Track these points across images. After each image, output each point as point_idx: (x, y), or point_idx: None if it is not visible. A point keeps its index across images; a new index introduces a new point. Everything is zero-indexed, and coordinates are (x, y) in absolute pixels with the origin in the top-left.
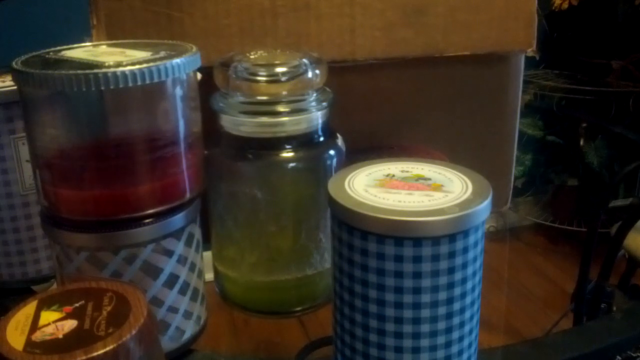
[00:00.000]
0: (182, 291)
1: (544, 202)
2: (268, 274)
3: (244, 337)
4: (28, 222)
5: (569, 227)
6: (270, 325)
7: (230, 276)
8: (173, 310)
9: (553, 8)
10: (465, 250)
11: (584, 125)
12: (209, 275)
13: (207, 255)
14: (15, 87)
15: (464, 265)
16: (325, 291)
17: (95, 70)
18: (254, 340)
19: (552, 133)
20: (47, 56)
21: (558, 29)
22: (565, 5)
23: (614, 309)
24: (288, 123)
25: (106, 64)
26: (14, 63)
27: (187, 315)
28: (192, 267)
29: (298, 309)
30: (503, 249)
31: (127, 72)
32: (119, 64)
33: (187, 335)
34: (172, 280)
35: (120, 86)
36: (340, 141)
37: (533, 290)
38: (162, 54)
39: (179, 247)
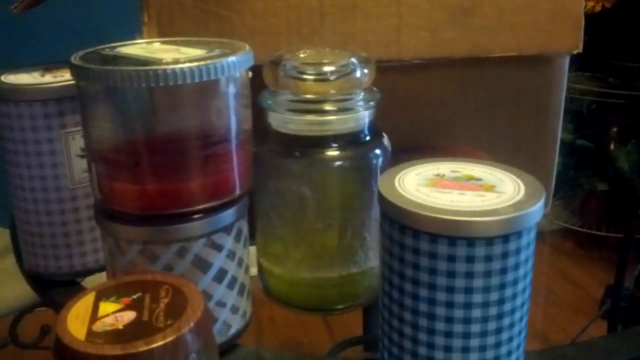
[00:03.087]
0: (230, 286)
1: (573, 206)
2: (312, 271)
3: (269, 335)
4: (76, 216)
5: (598, 232)
6: (295, 323)
7: (275, 272)
8: (221, 304)
9: (585, 11)
10: (518, 251)
11: (615, 129)
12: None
13: (251, 250)
14: (65, 83)
15: (516, 266)
16: (368, 291)
17: (155, 67)
18: (278, 339)
19: (583, 137)
20: (103, 52)
21: (590, 32)
22: (599, 8)
23: None
24: (335, 122)
25: (164, 61)
26: (72, 59)
27: (234, 309)
28: (240, 263)
29: (340, 306)
30: None
31: (185, 69)
32: (176, 61)
33: (233, 329)
34: (221, 274)
35: (179, 83)
36: (386, 140)
37: (560, 296)
38: (217, 51)
39: (229, 242)
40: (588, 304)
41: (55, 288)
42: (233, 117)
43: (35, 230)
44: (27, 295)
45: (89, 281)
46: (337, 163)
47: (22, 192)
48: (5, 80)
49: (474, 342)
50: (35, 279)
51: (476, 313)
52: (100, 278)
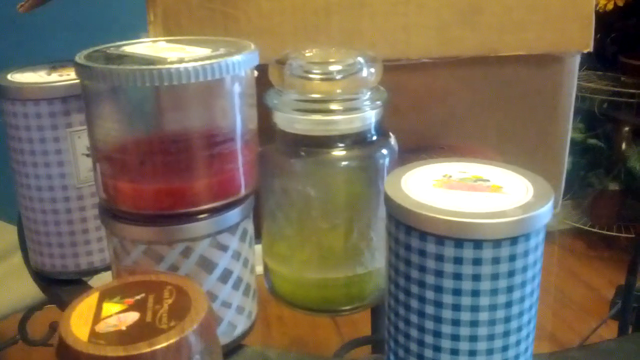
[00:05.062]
0: (236, 286)
1: (584, 206)
2: (318, 271)
3: (277, 333)
4: (82, 215)
5: (609, 232)
6: (303, 322)
7: (281, 272)
8: (226, 305)
9: (597, 9)
10: (526, 253)
11: (627, 128)
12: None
13: (256, 249)
14: (71, 82)
15: (524, 269)
16: (374, 291)
17: (159, 66)
18: (286, 337)
19: (594, 136)
20: (108, 51)
21: (602, 30)
22: (610, 6)
23: None
24: (341, 121)
25: (168, 60)
26: (77, 57)
27: (240, 310)
28: (246, 263)
29: (347, 307)
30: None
31: (189, 69)
32: (181, 60)
33: (238, 330)
34: (226, 275)
35: (184, 82)
36: (393, 140)
37: (570, 296)
38: (222, 50)
39: (234, 243)
40: (598, 304)
41: (61, 286)
42: (238, 117)
43: (41, 229)
44: (36, 293)
45: (96, 280)
46: (343, 163)
47: (28, 191)
48: (11, 79)
49: (481, 345)
50: (41, 278)
51: (483, 316)
52: (107, 277)
